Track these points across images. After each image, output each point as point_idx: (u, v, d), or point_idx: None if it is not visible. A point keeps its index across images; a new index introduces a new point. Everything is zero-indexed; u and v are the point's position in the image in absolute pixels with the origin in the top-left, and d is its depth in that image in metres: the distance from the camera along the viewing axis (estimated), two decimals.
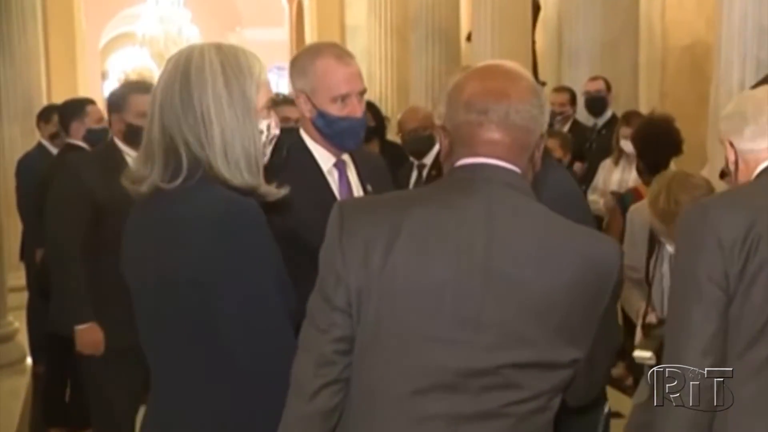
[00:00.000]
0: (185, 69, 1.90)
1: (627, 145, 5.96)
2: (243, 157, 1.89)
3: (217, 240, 1.81)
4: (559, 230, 1.68)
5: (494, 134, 1.68)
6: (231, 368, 1.84)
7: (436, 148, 4.60)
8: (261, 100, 1.94)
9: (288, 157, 2.48)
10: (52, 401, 5.29)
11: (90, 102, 5.57)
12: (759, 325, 1.91)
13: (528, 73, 1.79)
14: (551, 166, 2.55)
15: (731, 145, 2.15)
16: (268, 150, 1.99)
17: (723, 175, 2.60)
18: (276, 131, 2.01)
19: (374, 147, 5.65)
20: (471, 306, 1.61)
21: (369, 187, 2.66)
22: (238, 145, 1.89)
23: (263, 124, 1.95)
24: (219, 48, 1.93)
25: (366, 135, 5.99)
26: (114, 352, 3.68)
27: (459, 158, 1.72)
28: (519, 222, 1.65)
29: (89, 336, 3.69)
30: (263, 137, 1.96)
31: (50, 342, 5.00)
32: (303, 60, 2.59)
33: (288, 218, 2.23)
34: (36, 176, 6.01)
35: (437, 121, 1.93)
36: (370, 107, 6.00)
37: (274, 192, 1.95)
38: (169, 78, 1.91)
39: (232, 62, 1.91)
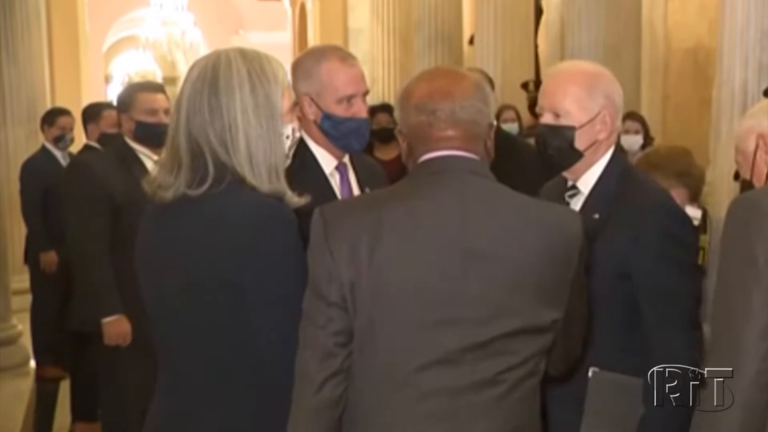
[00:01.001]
0: (213, 76, 1.92)
1: (628, 141, 5.99)
2: (264, 166, 1.92)
3: (252, 242, 1.85)
4: (524, 207, 1.84)
5: (446, 131, 1.84)
6: (258, 369, 1.89)
7: None
8: (285, 105, 1.98)
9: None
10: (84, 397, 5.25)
11: (107, 107, 5.73)
12: None
13: (473, 72, 1.95)
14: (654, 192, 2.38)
15: (764, 140, 2.11)
16: (291, 153, 2.03)
17: (738, 176, 2.55)
18: (298, 134, 2.04)
19: (394, 148, 5.61)
20: (456, 286, 1.75)
21: (368, 191, 2.67)
22: (261, 153, 1.92)
23: (288, 129, 1.99)
24: (244, 55, 1.96)
25: (386, 136, 5.99)
26: (134, 345, 3.73)
27: (420, 155, 1.86)
28: (487, 204, 1.81)
29: (117, 328, 3.74)
30: (288, 142, 2.00)
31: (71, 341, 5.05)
32: (307, 63, 2.60)
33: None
34: (40, 179, 6.05)
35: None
36: (388, 109, 6.01)
37: (296, 200, 1.97)
38: (195, 85, 1.94)
39: (257, 69, 1.94)
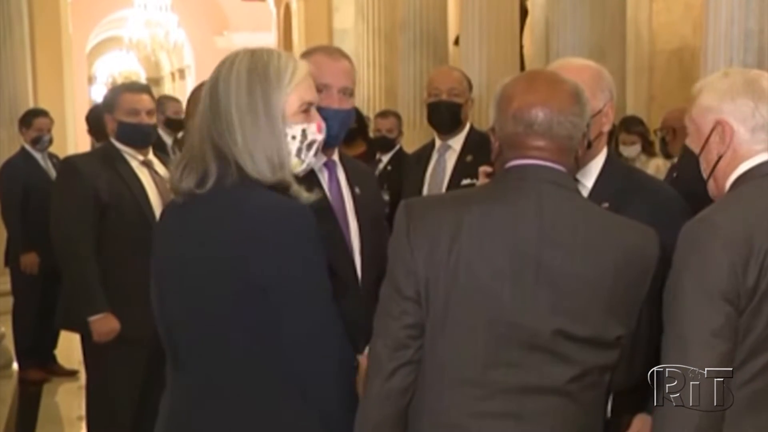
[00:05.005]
0: (215, 77, 1.98)
1: (626, 151, 6.07)
2: (266, 163, 1.94)
3: (271, 239, 1.88)
4: (602, 222, 1.88)
5: (540, 142, 1.87)
6: (281, 364, 1.92)
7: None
8: (293, 104, 1.98)
9: None
10: None
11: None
12: (761, 339, 1.87)
13: (571, 77, 1.96)
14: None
15: (723, 128, 2.02)
16: (310, 155, 2.04)
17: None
18: (318, 136, 2.04)
19: (360, 146, 5.71)
20: (526, 292, 1.80)
21: (357, 190, 2.70)
22: (260, 152, 1.94)
23: (296, 129, 1.99)
24: (252, 54, 1.98)
25: (350, 136, 6.02)
26: (121, 343, 3.75)
27: (509, 160, 1.91)
28: (566, 217, 1.84)
29: (104, 326, 3.75)
30: (296, 142, 2.00)
31: None
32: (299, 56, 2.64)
33: None
34: (19, 181, 6.02)
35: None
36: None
37: (305, 196, 2.00)
38: (207, 86, 2.00)
39: (260, 69, 1.96)
